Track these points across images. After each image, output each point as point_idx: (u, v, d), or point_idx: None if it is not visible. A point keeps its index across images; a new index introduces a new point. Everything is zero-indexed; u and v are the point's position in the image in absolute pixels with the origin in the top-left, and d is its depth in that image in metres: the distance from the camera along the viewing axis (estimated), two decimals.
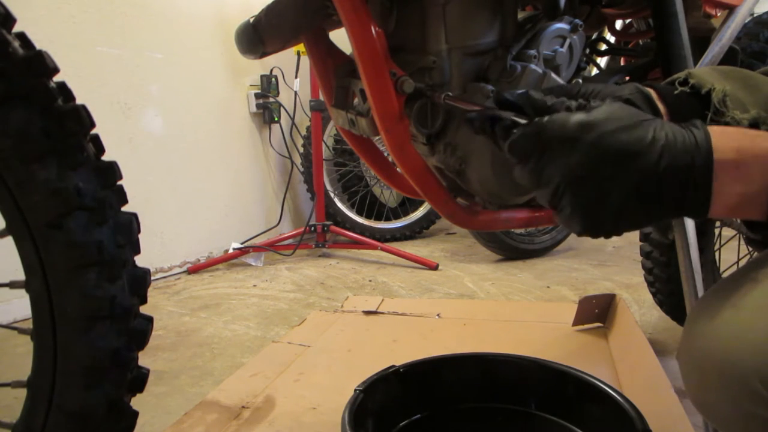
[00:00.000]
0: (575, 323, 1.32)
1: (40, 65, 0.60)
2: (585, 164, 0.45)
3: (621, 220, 0.46)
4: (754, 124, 0.49)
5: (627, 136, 0.44)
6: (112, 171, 0.65)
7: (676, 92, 0.53)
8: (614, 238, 2.76)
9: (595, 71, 1.02)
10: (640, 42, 1.13)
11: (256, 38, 0.81)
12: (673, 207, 0.45)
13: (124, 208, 0.67)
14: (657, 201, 0.45)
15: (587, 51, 0.94)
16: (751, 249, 1.24)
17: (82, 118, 0.63)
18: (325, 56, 0.86)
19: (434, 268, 2.20)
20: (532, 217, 0.84)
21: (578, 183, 0.45)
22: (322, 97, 1.55)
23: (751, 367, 0.46)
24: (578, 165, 0.45)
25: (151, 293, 1.76)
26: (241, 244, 2.41)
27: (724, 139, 0.44)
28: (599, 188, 0.45)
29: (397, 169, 0.81)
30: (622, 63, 1.28)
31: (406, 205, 2.90)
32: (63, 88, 0.63)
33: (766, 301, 0.47)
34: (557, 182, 0.46)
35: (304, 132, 2.74)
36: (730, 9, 0.92)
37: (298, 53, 2.60)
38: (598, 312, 1.33)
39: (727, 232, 1.36)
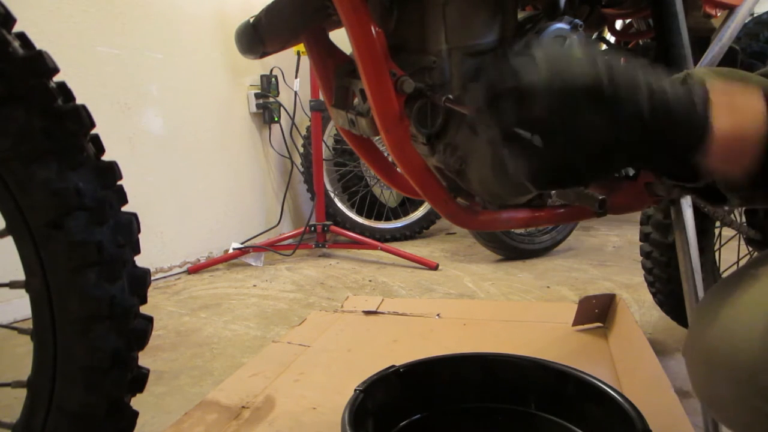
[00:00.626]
0: (575, 323, 1.32)
1: (40, 65, 0.60)
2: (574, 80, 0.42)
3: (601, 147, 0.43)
4: None
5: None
6: (112, 171, 0.65)
7: None
8: (614, 238, 2.76)
9: None
10: (640, 42, 1.13)
11: (256, 38, 0.81)
12: (668, 137, 0.43)
13: (124, 208, 0.67)
14: (657, 128, 0.43)
15: None
16: (751, 249, 1.24)
17: (82, 118, 0.63)
18: (325, 56, 0.86)
19: (434, 268, 2.20)
20: (532, 217, 0.84)
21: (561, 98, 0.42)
22: (322, 97, 1.55)
23: (759, 363, 0.46)
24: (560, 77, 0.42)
25: (151, 293, 1.76)
26: (241, 244, 2.41)
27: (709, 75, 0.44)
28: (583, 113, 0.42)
29: (397, 169, 0.81)
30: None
31: (406, 205, 2.90)
32: (63, 88, 0.63)
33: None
34: (534, 91, 0.42)
35: (304, 132, 2.74)
36: (730, 9, 0.92)
37: (298, 53, 2.60)
38: (598, 312, 1.33)
39: (727, 232, 1.36)
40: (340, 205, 2.71)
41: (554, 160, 0.44)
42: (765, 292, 0.48)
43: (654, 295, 1.43)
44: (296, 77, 2.72)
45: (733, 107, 0.43)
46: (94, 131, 0.66)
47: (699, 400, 0.55)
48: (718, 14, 1.02)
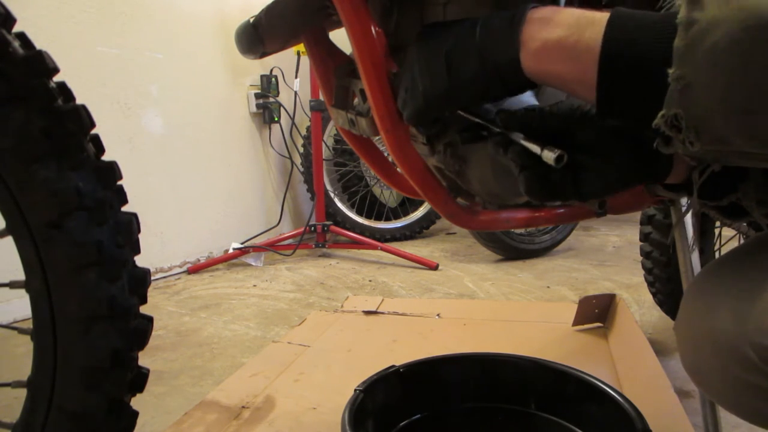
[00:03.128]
0: (575, 323, 1.32)
1: (40, 65, 0.60)
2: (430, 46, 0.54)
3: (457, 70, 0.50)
4: None
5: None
6: (112, 171, 0.65)
7: None
8: (614, 238, 2.76)
9: None
10: None
11: (256, 38, 0.81)
12: (491, 53, 0.49)
13: (124, 208, 0.67)
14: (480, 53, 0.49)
15: None
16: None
17: (82, 118, 0.63)
18: (325, 56, 0.85)
19: (434, 268, 2.20)
20: (532, 217, 0.84)
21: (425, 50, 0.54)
22: (322, 97, 1.55)
23: (742, 334, 0.48)
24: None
25: (151, 293, 1.76)
26: (241, 244, 2.41)
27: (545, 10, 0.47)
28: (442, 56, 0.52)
29: (397, 169, 0.81)
30: None
31: (406, 205, 2.90)
32: (63, 88, 0.63)
33: (757, 274, 0.50)
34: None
35: (304, 132, 2.74)
36: None
37: (298, 53, 2.60)
38: (598, 312, 1.33)
39: (727, 232, 1.36)
40: (340, 205, 2.71)
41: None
42: (751, 270, 0.51)
43: (654, 295, 1.43)
44: (296, 77, 2.72)
45: (547, 21, 0.45)
46: (94, 131, 0.66)
47: (686, 372, 0.58)
48: None
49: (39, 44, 0.61)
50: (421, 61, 0.54)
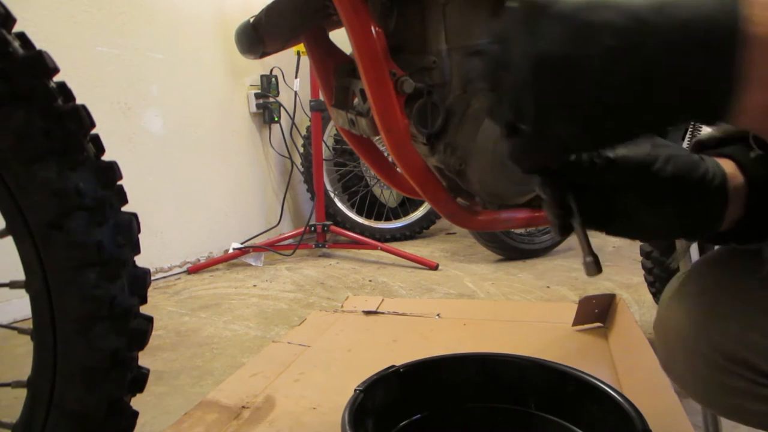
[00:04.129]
0: (575, 323, 1.32)
1: (40, 65, 0.60)
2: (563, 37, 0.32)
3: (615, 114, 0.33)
4: None
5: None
6: (112, 171, 0.65)
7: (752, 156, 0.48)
8: (614, 238, 2.76)
9: None
10: None
11: (256, 38, 0.81)
12: (679, 92, 0.31)
13: (124, 208, 0.67)
14: (658, 80, 0.31)
15: None
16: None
17: (82, 118, 0.63)
18: (325, 56, 0.86)
19: (434, 268, 2.20)
20: (532, 217, 0.84)
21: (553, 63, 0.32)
22: (322, 97, 1.55)
23: (707, 336, 0.52)
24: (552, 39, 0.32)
25: (151, 293, 1.76)
26: (241, 244, 2.41)
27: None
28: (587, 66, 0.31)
29: (397, 169, 0.81)
30: None
31: (406, 205, 2.90)
32: (63, 88, 0.63)
33: (717, 282, 0.54)
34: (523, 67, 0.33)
35: (304, 132, 2.74)
36: None
37: (298, 53, 2.60)
38: (598, 312, 1.33)
39: None
40: (340, 205, 2.71)
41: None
42: (715, 279, 0.55)
43: (654, 295, 1.43)
44: (296, 77, 2.72)
45: None
46: (94, 131, 0.66)
47: (663, 369, 0.62)
48: None
49: (39, 44, 0.61)
50: (548, 80, 0.33)
